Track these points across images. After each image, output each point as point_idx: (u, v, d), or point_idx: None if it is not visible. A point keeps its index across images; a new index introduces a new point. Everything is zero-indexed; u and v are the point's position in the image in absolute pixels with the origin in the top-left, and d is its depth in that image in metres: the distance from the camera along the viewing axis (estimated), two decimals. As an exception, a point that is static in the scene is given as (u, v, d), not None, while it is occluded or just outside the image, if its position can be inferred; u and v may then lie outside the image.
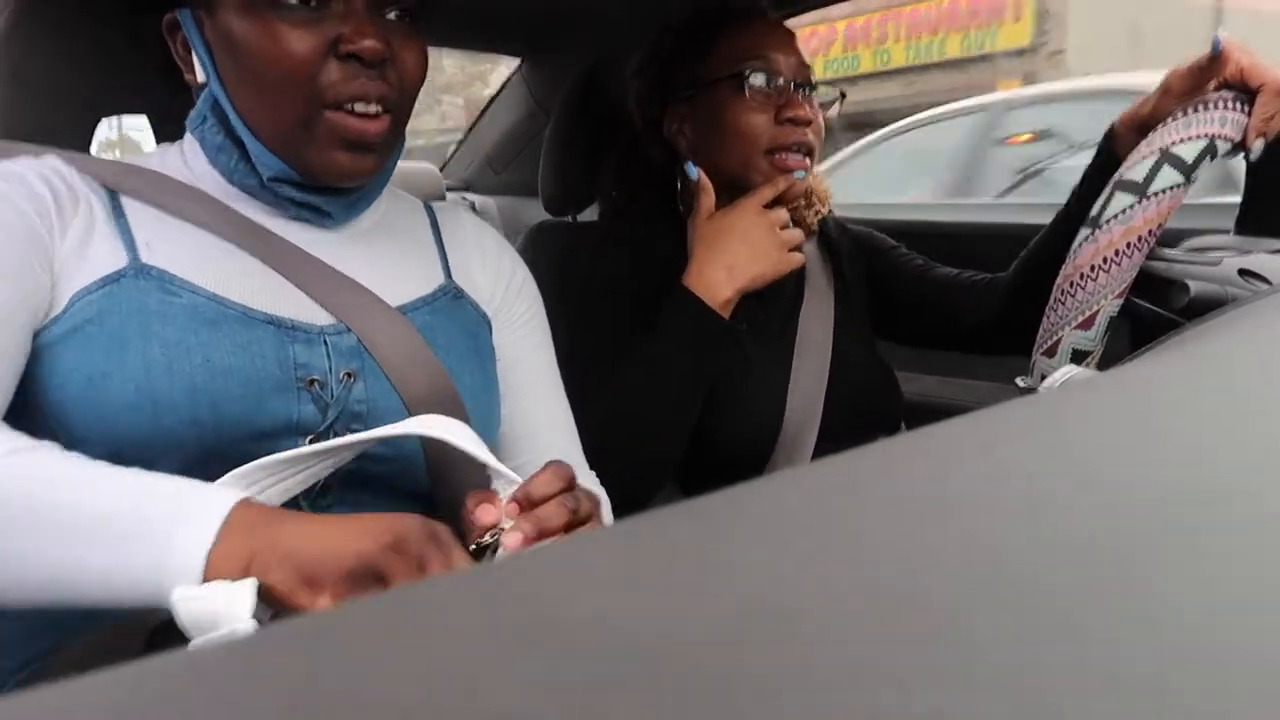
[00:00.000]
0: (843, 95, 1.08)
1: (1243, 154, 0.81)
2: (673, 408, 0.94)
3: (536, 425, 0.80)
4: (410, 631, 0.13)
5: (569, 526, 0.56)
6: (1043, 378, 0.81)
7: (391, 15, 0.67)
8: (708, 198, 0.99)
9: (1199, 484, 0.18)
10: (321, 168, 0.66)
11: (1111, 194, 0.77)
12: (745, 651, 0.11)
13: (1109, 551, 0.15)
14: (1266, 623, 0.12)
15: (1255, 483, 0.18)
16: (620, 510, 0.81)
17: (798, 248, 1.00)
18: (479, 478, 0.71)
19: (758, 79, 0.98)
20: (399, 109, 0.68)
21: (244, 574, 0.48)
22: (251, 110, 0.66)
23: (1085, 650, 0.12)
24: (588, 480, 0.81)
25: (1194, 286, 0.77)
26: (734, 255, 0.95)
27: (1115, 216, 0.75)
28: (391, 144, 0.70)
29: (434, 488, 0.69)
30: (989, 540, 0.15)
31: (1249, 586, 0.13)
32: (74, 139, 0.94)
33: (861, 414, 1.09)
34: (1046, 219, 1.06)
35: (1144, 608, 0.13)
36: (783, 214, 0.98)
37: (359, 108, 0.65)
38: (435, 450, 0.68)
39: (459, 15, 1.42)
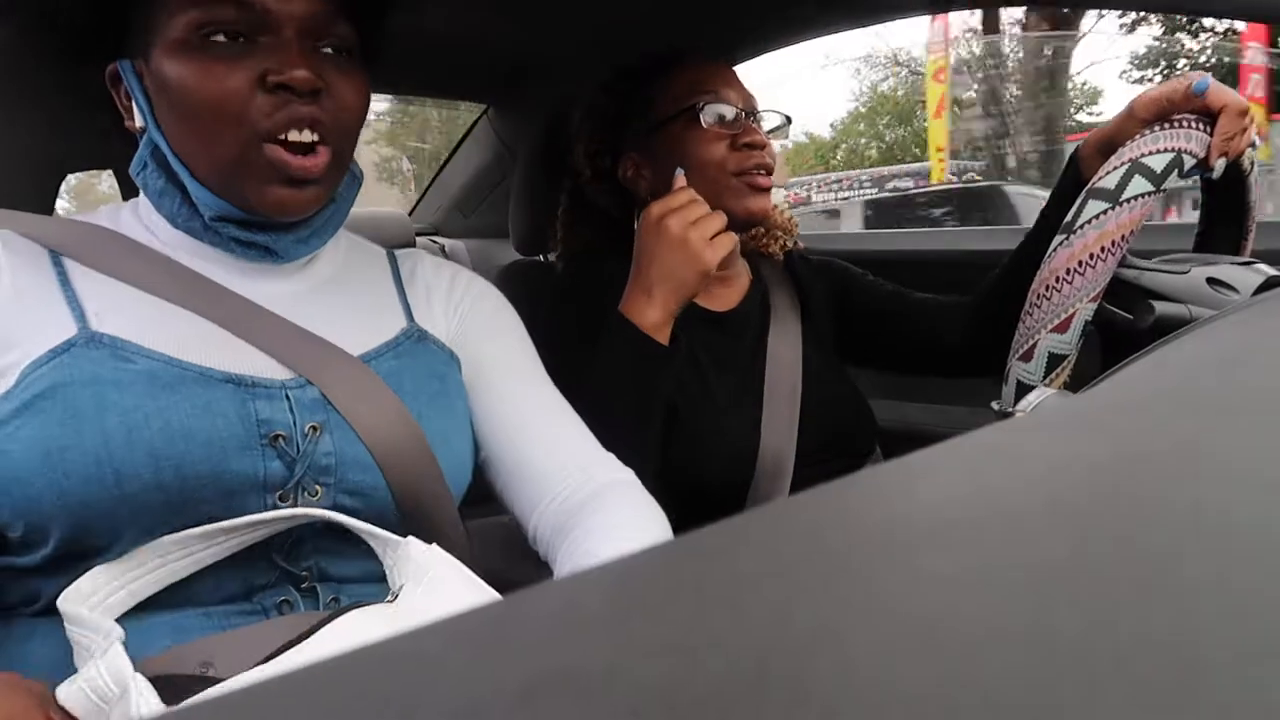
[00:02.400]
0: (788, 120, 1.12)
1: (1206, 172, 0.84)
2: (624, 432, 0.94)
3: (528, 420, 0.78)
4: (395, 692, 0.12)
5: None
6: (1017, 387, 0.82)
7: (327, 49, 0.67)
8: (666, 197, 0.96)
9: (1179, 503, 0.18)
10: (261, 203, 0.66)
11: (1085, 201, 0.79)
12: (766, 695, 0.11)
13: (1098, 571, 0.15)
14: (1256, 635, 0.13)
15: (1235, 499, 0.18)
16: None
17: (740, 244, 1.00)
18: (451, 528, 0.71)
19: (712, 110, 1.02)
20: (338, 141, 0.67)
21: None
22: (188, 151, 0.66)
23: (1096, 673, 0.12)
24: (604, 461, 0.79)
25: (1159, 307, 0.78)
26: (649, 278, 0.93)
27: (1089, 222, 0.78)
28: (334, 178, 0.69)
29: (402, 515, 0.68)
30: (985, 566, 0.15)
31: (1238, 602, 0.14)
32: (38, 198, 0.93)
33: (836, 441, 1.09)
34: (1010, 244, 1.08)
35: (1133, 624, 0.13)
36: (691, 210, 0.94)
37: (293, 135, 0.64)
38: (408, 500, 0.68)
39: (425, 64, 1.43)
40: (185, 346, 0.63)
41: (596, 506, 0.73)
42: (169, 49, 0.63)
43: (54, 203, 0.97)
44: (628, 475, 0.78)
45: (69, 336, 0.60)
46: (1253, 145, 0.87)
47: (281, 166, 0.64)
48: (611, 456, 0.80)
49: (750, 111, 1.04)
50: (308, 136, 0.65)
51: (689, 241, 0.91)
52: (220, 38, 0.63)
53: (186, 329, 0.64)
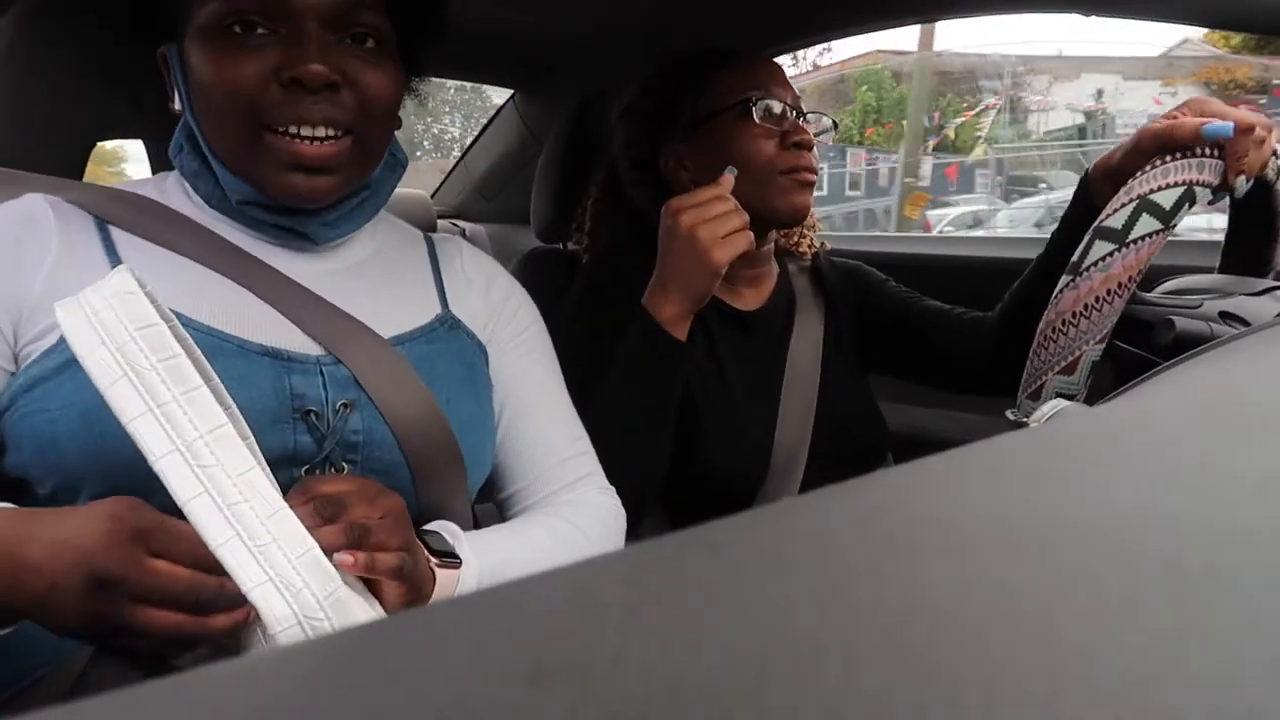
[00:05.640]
0: (835, 125, 1.11)
1: (1227, 195, 0.82)
2: (636, 421, 0.94)
3: (538, 445, 0.80)
4: (396, 672, 0.12)
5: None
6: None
7: (351, 41, 0.66)
8: (688, 193, 0.95)
9: (1194, 516, 0.18)
10: (277, 189, 0.66)
11: (1091, 241, 0.78)
12: (769, 691, 0.11)
13: (1110, 584, 0.15)
14: (1267, 652, 0.13)
15: (1249, 515, 0.18)
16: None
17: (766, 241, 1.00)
18: (460, 516, 0.71)
19: (764, 106, 1.01)
20: (361, 131, 0.67)
21: None
22: (212, 136, 0.67)
23: (1099, 683, 0.12)
24: (601, 493, 0.81)
25: (1179, 323, 0.77)
26: (666, 273, 0.94)
27: (1095, 264, 0.76)
28: (357, 166, 0.69)
29: (419, 498, 0.69)
30: (995, 575, 0.15)
31: (1250, 619, 0.14)
32: (69, 163, 0.94)
33: (847, 446, 1.09)
34: (1035, 253, 1.07)
35: (1144, 637, 0.13)
36: (708, 208, 0.92)
37: (304, 131, 0.64)
38: (425, 483, 0.68)
39: (453, 47, 1.43)
40: (224, 317, 0.64)
41: (554, 508, 0.77)
42: (196, 37, 0.64)
43: (84, 169, 0.98)
44: (607, 499, 0.81)
45: None
46: (1275, 155, 0.85)
47: (287, 157, 0.64)
48: (601, 476, 0.82)
49: (799, 111, 1.04)
50: (321, 132, 0.65)
51: (697, 239, 0.90)
52: (239, 28, 0.63)
53: (226, 300, 0.65)
